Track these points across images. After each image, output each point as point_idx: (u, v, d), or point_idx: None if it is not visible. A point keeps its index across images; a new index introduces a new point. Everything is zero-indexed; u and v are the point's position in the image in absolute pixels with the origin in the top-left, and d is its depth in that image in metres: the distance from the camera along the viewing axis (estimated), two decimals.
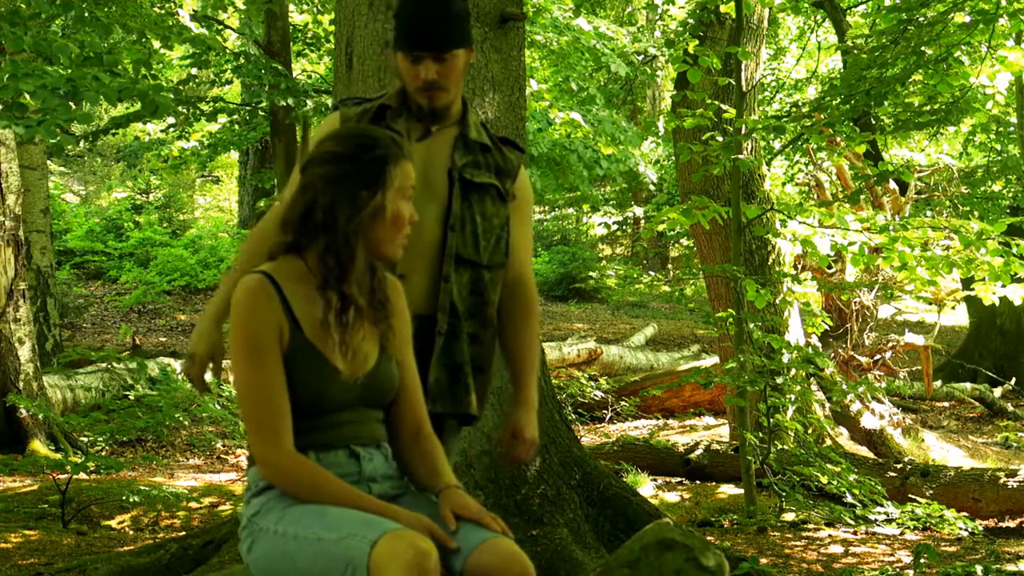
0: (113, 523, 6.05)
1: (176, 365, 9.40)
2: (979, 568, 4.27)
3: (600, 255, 22.25)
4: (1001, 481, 6.93)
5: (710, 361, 10.54)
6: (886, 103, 6.96)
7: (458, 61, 2.80)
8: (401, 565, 2.05)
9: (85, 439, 8.12)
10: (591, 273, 19.19)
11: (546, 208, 22.54)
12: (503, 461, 2.94)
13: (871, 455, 8.31)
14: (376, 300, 2.44)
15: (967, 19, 6.66)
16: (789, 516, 6.19)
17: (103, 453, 8.02)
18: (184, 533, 5.28)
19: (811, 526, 5.96)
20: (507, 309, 2.93)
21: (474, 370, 2.84)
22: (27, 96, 4.89)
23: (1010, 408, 12.05)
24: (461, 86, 2.88)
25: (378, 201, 2.35)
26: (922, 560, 4.35)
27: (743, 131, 6.71)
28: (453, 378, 2.80)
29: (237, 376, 2.33)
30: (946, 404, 12.35)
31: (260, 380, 2.30)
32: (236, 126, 13.73)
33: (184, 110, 11.60)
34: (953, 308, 16.14)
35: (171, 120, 12.14)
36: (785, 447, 7.07)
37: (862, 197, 8.24)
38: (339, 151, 2.38)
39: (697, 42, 7.39)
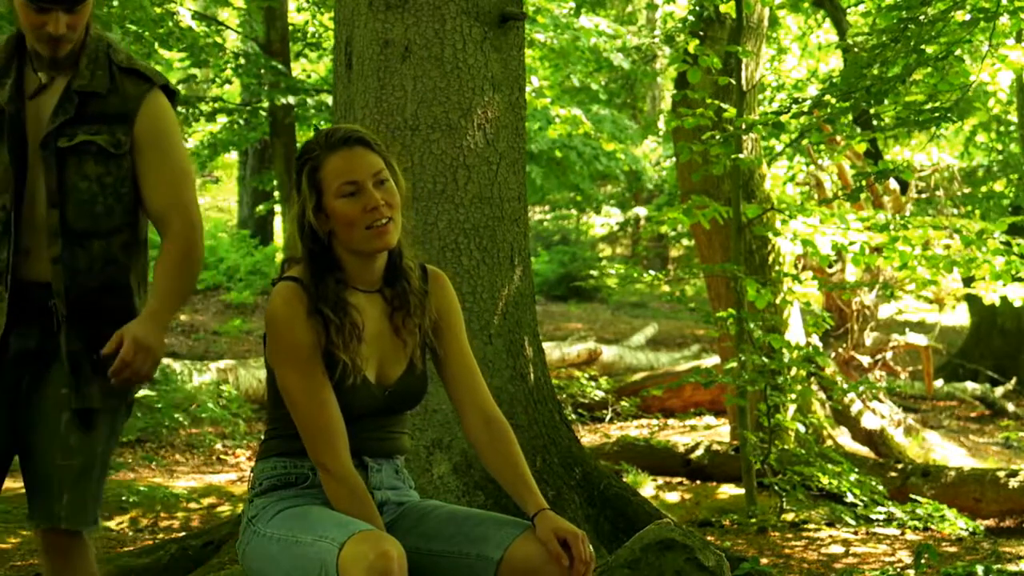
0: (112, 524, 6.04)
1: (176, 366, 9.37)
2: (980, 568, 4.26)
3: (600, 255, 22.21)
4: (1002, 481, 6.93)
5: (710, 361, 10.52)
6: (886, 101, 6.94)
7: (88, 8, 2.58)
8: (363, 567, 2.07)
9: None
10: (591, 272, 19.15)
11: (546, 208, 22.50)
12: None
13: (872, 455, 8.30)
14: (407, 304, 2.40)
15: (967, 17, 6.64)
16: (789, 516, 6.17)
17: None
18: (183, 534, 5.27)
19: (811, 526, 5.95)
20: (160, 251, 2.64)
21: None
22: None
23: (1011, 408, 12.04)
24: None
25: (319, 208, 2.32)
26: (923, 560, 4.34)
27: (743, 129, 6.70)
28: (76, 371, 2.60)
29: (286, 386, 2.31)
30: (947, 404, 12.34)
31: (313, 386, 2.29)
32: (236, 126, 13.72)
33: (184, 110, 11.59)
34: (953, 308, 16.14)
35: None
36: (786, 447, 7.06)
37: (863, 196, 8.22)
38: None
39: (697, 41, 7.37)
